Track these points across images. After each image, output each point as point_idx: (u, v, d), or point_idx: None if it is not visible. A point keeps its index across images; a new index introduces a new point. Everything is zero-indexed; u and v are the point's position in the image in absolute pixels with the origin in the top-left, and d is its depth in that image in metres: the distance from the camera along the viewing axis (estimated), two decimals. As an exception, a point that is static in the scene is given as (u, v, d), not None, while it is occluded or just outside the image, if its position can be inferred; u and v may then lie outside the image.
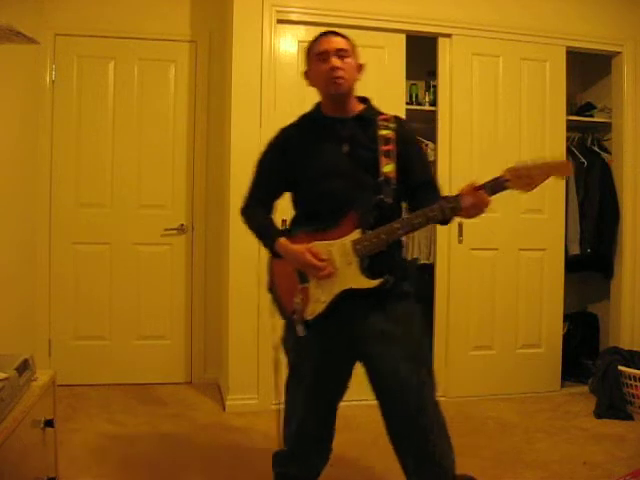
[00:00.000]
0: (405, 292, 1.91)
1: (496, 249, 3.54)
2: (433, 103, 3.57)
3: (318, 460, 2.04)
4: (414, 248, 3.72)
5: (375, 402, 1.91)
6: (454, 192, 1.75)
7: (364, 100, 1.99)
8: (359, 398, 2.07)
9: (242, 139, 3.14)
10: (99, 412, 3.14)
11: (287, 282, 1.92)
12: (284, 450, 2.06)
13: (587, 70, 4.06)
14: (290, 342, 1.98)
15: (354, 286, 1.82)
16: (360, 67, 1.95)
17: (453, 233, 3.45)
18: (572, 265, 3.72)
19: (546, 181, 1.66)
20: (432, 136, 3.58)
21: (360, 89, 3.47)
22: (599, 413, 3.22)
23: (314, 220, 1.89)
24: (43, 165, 3.54)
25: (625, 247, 3.70)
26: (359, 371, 1.94)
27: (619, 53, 3.69)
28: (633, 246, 3.70)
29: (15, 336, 3.12)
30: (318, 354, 1.91)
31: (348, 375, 1.97)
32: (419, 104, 3.66)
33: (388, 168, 1.85)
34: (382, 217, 1.81)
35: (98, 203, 3.64)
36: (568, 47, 3.59)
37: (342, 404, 2.03)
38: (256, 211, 2.01)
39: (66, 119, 3.58)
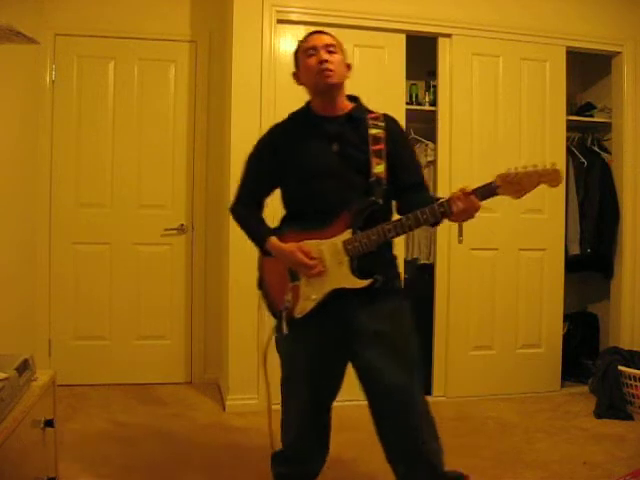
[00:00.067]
0: (395, 289, 1.94)
1: (496, 249, 3.54)
2: (433, 103, 3.57)
3: (316, 459, 2.05)
4: (414, 248, 3.72)
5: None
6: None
7: (354, 99, 1.99)
8: (357, 398, 2.07)
9: (242, 139, 3.13)
10: (99, 412, 3.14)
11: (277, 280, 1.93)
12: (282, 450, 2.07)
13: (587, 70, 4.06)
14: (282, 341, 1.99)
15: (345, 285, 1.83)
16: (349, 66, 1.96)
17: (453, 233, 3.44)
18: (572, 265, 3.72)
19: (536, 188, 1.71)
20: (432, 136, 3.58)
21: (360, 89, 3.47)
22: (599, 413, 3.22)
23: (304, 219, 1.90)
24: (43, 165, 3.54)
25: (625, 247, 3.70)
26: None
27: (619, 53, 3.69)
28: (633, 246, 3.70)
29: (15, 336, 3.12)
30: (310, 353, 1.92)
31: (341, 373, 1.97)
32: (419, 104, 3.66)
33: (379, 169, 1.86)
34: (373, 218, 1.83)
35: (98, 203, 3.64)
36: (568, 47, 3.59)
37: (340, 404, 2.03)
38: (246, 209, 2.01)
39: (66, 119, 3.58)
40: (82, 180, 3.61)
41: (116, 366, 3.63)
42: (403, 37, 3.40)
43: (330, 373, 1.97)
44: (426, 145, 3.71)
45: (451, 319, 3.47)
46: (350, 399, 2.17)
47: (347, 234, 1.82)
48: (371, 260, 1.83)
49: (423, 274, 3.72)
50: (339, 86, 1.91)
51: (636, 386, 3.25)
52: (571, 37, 3.58)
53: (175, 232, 3.71)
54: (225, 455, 2.65)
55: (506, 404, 3.40)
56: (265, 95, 3.17)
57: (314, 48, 1.88)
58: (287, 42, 3.26)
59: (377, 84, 3.36)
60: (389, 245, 1.92)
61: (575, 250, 3.71)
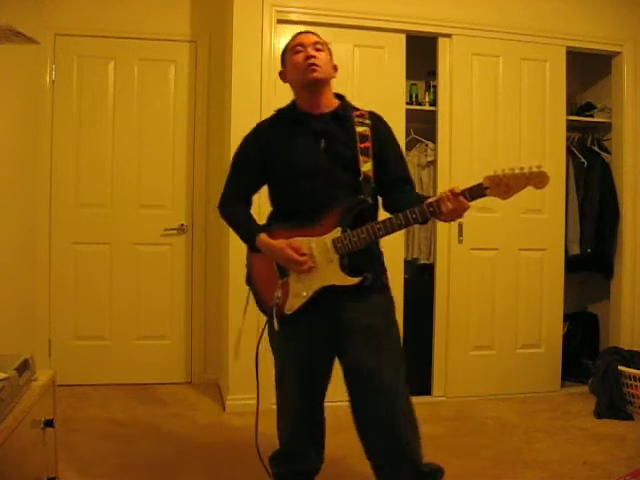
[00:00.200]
0: (382, 286, 1.95)
1: (496, 249, 3.54)
2: (433, 103, 3.57)
3: (313, 457, 2.06)
4: (414, 248, 3.72)
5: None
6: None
7: (340, 97, 2.01)
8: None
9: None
10: (99, 412, 3.14)
11: (266, 276, 1.94)
12: (280, 450, 2.08)
13: (587, 70, 4.06)
14: (274, 338, 2.00)
15: (335, 283, 1.85)
16: (335, 67, 1.99)
17: (453, 233, 3.45)
18: (572, 265, 3.72)
19: (524, 190, 1.74)
20: (432, 136, 3.58)
21: (360, 89, 3.48)
22: (599, 413, 3.22)
23: (293, 217, 1.91)
24: (43, 165, 3.54)
25: (625, 247, 3.70)
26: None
27: (619, 53, 3.68)
28: (633, 246, 3.70)
29: (15, 336, 3.12)
30: (301, 351, 1.93)
31: (330, 369, 1.99)
32: (419, 104, 3.66)
33: (366, 167, 1.88)
34: (361, 216, 1.85)
35: (98, 203, 3.64)
36: (568, 47, 3.59)
37: (336, 405, 2.04)
38: (235, 206, 2.02)
39: (66, 119, 3.58)
40: (82, 180, 3.61)
41: (116, 366, 3.63)
42: (403, 37, 3.40)
43: (320, 371, 1.99)
44: (426, 145, 3.72)
45: (451, 319, 3.47)
46: (349, 400, 2.17)
47: (336, 232, 1.84)
48: (360, 257, 1.86)
49: (423, 274, 3.72)
50: (325, 82, 1.93)
51: (636, 386, 3.25)
52: (571, 37, 3.58)
53: (175, 232, 3.71)
54: (225, 455, 2.65)
55: (506, 404, 3.40)
56: (265, 95, 3.17)
57: (301, 45, 1.90)
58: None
59: (377, 84, 3.36)
60: (377, 241, 1.94)
61: (575, 250, 3.71)
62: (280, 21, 3.24)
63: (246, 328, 3.16)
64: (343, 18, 3.30)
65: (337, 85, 3.11)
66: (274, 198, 2.02)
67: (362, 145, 1.89)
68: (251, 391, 3.14)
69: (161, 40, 3.67)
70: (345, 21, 3.30)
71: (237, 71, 3.20)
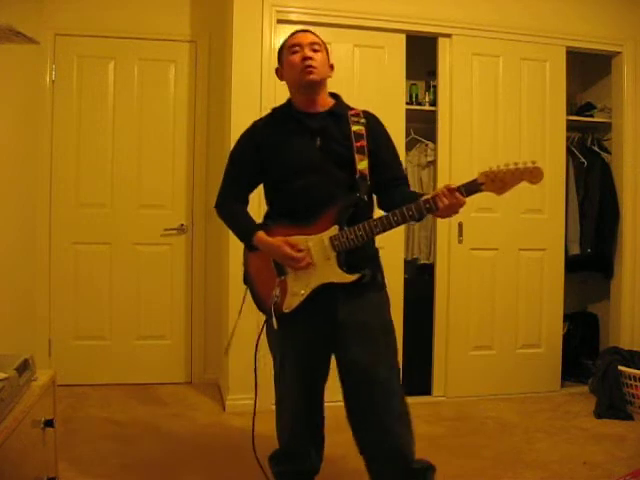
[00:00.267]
0: (379, 283, 1.97)
1: (496, 249, 3.54)
2: (433, 103, 3.57)
3: (313, 457, 2.06)
4: (414, 248, 3.72)
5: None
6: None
7: (335, 96, 2.03)
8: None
9: (242, 139, 3.14)
10: (99, 412, 3.14)
11: (264, 275, 1.94)
12: (279, 450, 2.09)
13: (587, 70, 4.06)
14: (273, 337, 2.01)
15: (333, 280, 1.86)
16: (332, 66, 2.00)
17: (453, 233, 3.45)
18: (572, 265, 3.72)
19: (518, 185, 1.77)
20: (432, 136, 3.58)
21: (360, 89, 3.48)
22: (599, 413, 3.22)
23: (289, 215, 1.92)
24: (43, 165, 3.54)
25: (625, 247, 3.70)
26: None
27: (619, 53, 3.68)
28: (633, 246, 3.70)
29: (15, 336, 3.12)
30: (300, 350, 1.94)
31: (328, 367, 2.01)
32: (419, 104, 3.66)
33: (362, 165, 1.90)
34: (358, 214, 1.86)
35: (98, 203, 3.64)
36: (568, 47, 3.59)
37: (336, 405, 2.04)
38: (232, 206, 2.03)
39: (66, 119, 3.58)
40: (82, 180, 3.61)
41: (116, 366, 3.63)
42: (403, 37, 3.40)
43: (320, 370, 2.00)
44: (426, 145, 3.72)
45: (451, 319, 3.47)
46: (342, 395, 2.17)
47: (333, 230, 1.85)
48: (357, 255, 1.87)
49: (423, 274, 3.72)
50: (321, 83, 1.94)
51: (636, 386, 3.25)
52: (571, 37, 3.58)
53: (175, 232, 3.71)
54: (225, 455, 2.65)
55: (506, 404, 3.40)
56: (265, 95, 3.17)
57: (299, 45, 1.91)
58: (287, 42, 3.26)
59: (377, 84, 3.36)
60: (372, 239, 1.95)
61: (575, 250, 3.71)
62: (280, 21, 3.24)
63: (245, 328, 3.16)
64: (343, 18, 3.30)
65: (337, 85, 3.11)
66: (270, 197, 2.03)
67: (358, 144, 1.91)
68: (251, 391, 3.15)
69: (161, 40, 3.67)
70: (345, 21, 3.30)
71: (237, 71, 3.20)
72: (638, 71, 3.68)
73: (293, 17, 3.26)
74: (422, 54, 3.50)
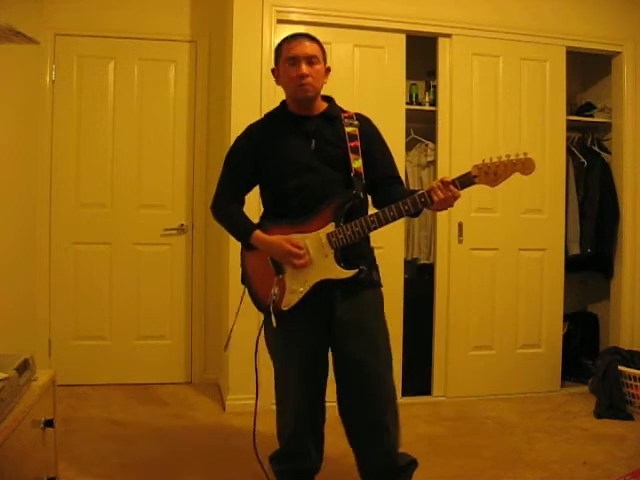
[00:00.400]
0: (374, 281, 2.00)
1: (496, 249, 3.54)
2: (433, 103, 3.57)
3: (314, 454, 2.07)
4: (414, 248, 3.72)
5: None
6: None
7: (328, 99, 2.05)
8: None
9: (242, 139, 3.14)
10: (99, 412, 3.14)
11: (262, 274, 1.96)
12: (280, 450, 2.10)
13: (587, 70, 4.06)
14: (271, 336, 2.03)
15: (331, 276, 1.89)
16: (328, 70, 2.01)
17: (453, 233, 3.45)
18: (572, 265, 3.72)
19: (511, 177, 1.81)
20: (432, 136, 3.58)
21: (360, 89, 3.48)
22: (599, 413, 3.22)
23: (286, 215, 1.95)
24: (43, 165, 3.54)
25: (625, 247, 3.70)
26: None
27: (619, 53, 3.68)
28: (633, 246, 3.70)
29: (15, 336, 3.12)
30: (301, 352, 1.96)
31: (328, 365, 2.04)
32: (419, 104, 3.66)
33: (357, 164, 1.93)
34: (354, 211, 1.90)
35: (98, 203, 3.64)
36: (568, 47, 3.59)
37: (335, 405, 2.04)
38: (228, 207, 2.05)
39: (66, 119, 3.58)
40: (82, 180, 3.61)
41: (116, 366, 3.63)
42: (403, 37, 3.39)
43: (319, 368, 2.03)
44: (426, 145, 3.72)
45: (451, 319, 3.47)
46: (336, 389, 2.18)
47: (330, 227, 1.88)
48: (354, 251, 1.91)
49: (423, 274, 3.72)
50: (316, 96, 1.98)
51: (636, 386, 3.25)
52: (571, 37, 3.58)
53: (175, 232, 3.71)
54: (225, 455, 2.65)
55: (506, 404, 3.40)
56: (265, 95, 3.17)
57: (296, 58, 1.91)
58: (287, 42, 3.26)
59: (377, 84, 3.36)
60: (367, 237, 1.98)
61: (575, 250, 3.71)
62: (280, 21, 3.24)
63: (245, 328, 3.16)
64: (343, 18, 3.29)
65: (337, 85, 3.12)
66: (266, 198, 2.06)
67: (351, 144, 1.95)
68: (251, 391, 3.14)
69: (161, 40, 3.67)
70: (345, 21, 3.30)
71: (237, 71, 3.20)
72: (638, 71, 3.68)
73: (293, 17, 3.26)
74: (422, 54, 3.50)
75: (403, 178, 2.23)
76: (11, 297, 3.15)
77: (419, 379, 3.48)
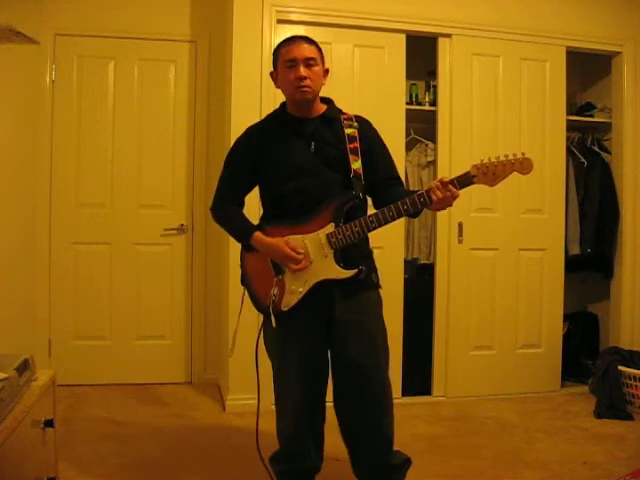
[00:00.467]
0: (373, 282, 2.02)
1: (496, 249, 3.54)
2: (433, 103, 3.57)
3: (314, 454, 2.07)
4: (414, 248, 3.72)
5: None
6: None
7: (328, 101, 2.06)
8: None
9: (242, 139, 3.14)
10: (99, 412, 3.14)
11: (261, 275, 1.97)
12: (280, 450, 2.10)
13: (587, 70, 4.06)
14: (270, 336, 2.03)
15: (331, 277, 1.90)
16: (326, 72, 2.02)
17: (453, 233, 3.45)
18: (572, 265, 3.72)
19: (509, 176, 1.82)
20: (432, 136, 3.58)
21: (360, 89, 3.48)
22: (599, 413, 3.22)
23: (286, 216, 1.96)
24: (43, 165, 3.54)
25: (625, 247, 3.70)
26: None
27: (619, 53, 3.68)
28: (633, 246, 3.70)
29: (15, 336, 3.12)
30: (301, 352, 1.97)
31: (328, 365, 2.05)
32: (419, 104, 3.66)
33: (357, 165, 1.94)
34: (353, 212, 1.91)
35: (98, 203, 3.64)
36: (568, 47, 3.59)
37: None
38: (228, 208, 2.06)
39: (66, 119, 3.58)
40: (82, 180, 3.61)
41: (116, 366, 3.63)
42: (403, 37, 3.39)
43: (320, 368, 2.03)
44: (426, 145, 3.72)
45: (451, 319, 3.47)
46: (333, 388, 2.18)
47: (330, 227, 1.89)
48: (353, 252, 1.92)
49: (423, 274, 3.72)
50: (315, 98, 1.98)
51: (636, 386, 3.25)
52: (571, 37, 3.58)
53: (175, 232, 3.71)
54: (225, 455, 2.65)
55: (506, 404, 3.40)
56: (265, 95, 3.17)
57: (294, 61, 1.92)
58: (287, 42, 3.26)
59: (377, 84, 3.36)
60: (367, 238, 1.99)
61: (575, 250, 3.71)
62: (280, 21, 3.24)
63: (246, 328, 3.16)
64: (343, 18, 3.29)
65: (337, 85, 3.12)
66: (266, 199, 2.07)
67: (351, 145, 1.96)
68: (251, 391, 3.14)
69: (161, 40, 3.67)
70: (345, 21, 3.30)
71: (237, 71, 3.20)
72: (638, 71, 3.68)
73: (293, 17, 3.26)
74: (422, 54, 3.50)
75: (403, 178, 2.24)
76: (11, 297, 3.15)
77: (419, 379, 3.48)
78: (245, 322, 3.17)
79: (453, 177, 1.83)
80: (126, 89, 3.65)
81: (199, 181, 3.73)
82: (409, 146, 3.67)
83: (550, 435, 2.94)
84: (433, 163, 3.64)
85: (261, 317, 2.06)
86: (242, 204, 2.08)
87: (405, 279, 3.45)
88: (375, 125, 2.09)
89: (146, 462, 2.54)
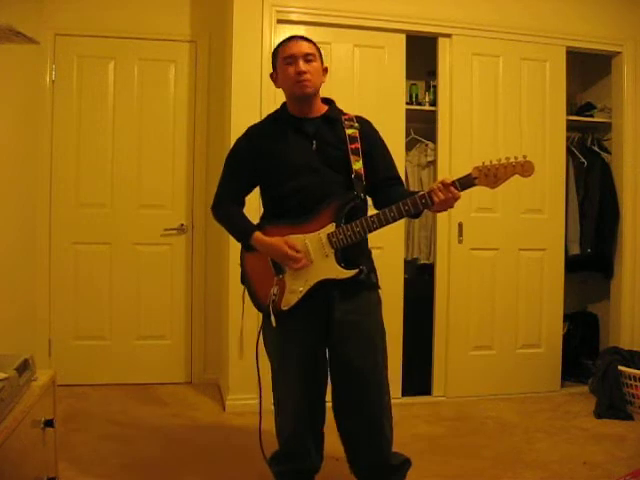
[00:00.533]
0: (373, 283, 2.02)
1: (496, 249, 3.54)
2: (433, 103, 3.57)
3: (314, 454, 2.08)
4: (414, 248, 3.72)
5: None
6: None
7: (329, 102, 2.06)
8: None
9: (242, 139, 3.14)
10: (99, 412, 3.14)
11: (261, 274, 1.97)
12: (280, 450, 2.10)
13: (587, 70, 4.06)
14: (270, 336, 2.03)
15: (331, 276, 1.90)
16: (325, 71, 2.02)
17: (453, 233, 3.45)
18: (572, 265, 3.72)
19: (510, 179, 1.82)
20: (432, 136, 3.58)
21: (360, 89, 3.48)
22: (599, 413, 3.22)
23: (286, 216, 1.96)
24: (43, 165, 3.54)
25: (625, 247, 3.70)
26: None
27: (619, 53, 3.68)
28: (633, 246, 3.70)
29: (15, 336, 3.12)
30: (300, 352, 1.97)
31: (327, 365, 2.04)
32: (419, 104, 3.66)
33: (358, 165, 1.94)
34: (354, 212, 1.91)
35: (98, 203, 3.64)
36: (568, 47, 3.59)
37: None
38: (228, 208, 2.06)
39: (66, 119, 3.58)
40: (82, 180, 3.61)
41: (116, 366, 3.63)
42: (403, 37, 3.39)
43: (319, 368, 2.03)
44: (426, 145, 3.72)
45: (451, 319, 3.47)
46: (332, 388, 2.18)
47: (331, 227, 1.89)
48: (354, 252, 1.92)
49: (423, 274, 3.72)
50: (315, 94, 1.98)
51: (636, 386, 3.25)
52: (571, 37, 3.58)
53: (175, 232, 3.71)
54: (225, 455, 2.65)
55: (506, 404, 3.40)
56: (265, 95, 3.17)
57: (293, 57, 1.93)
58: (287, 42, 3.26)
59: (377, 84, 3.36)
60: (366, 238, 1.99)
61: (575, 250, 3.71)
62: (280, 21, 3.24)
63: (246, 328, 3.16)
64: (343, 18, 3.29)
65: (337, 85, 3.12)
66: (266, 198, 2.07)
67: (352, 146, 1.96)
68: (251, 391, 3.16)
69: (161, 40, 3.67)
70: (345, 21, 3.30)
71: (237, 71, 3.20)
72: (638, 71, 3.68)
73: (293, 17, 3.26)
74: (422, 54, 3.50)
75: (403, 178, 2.23)
76: (11, 297, 3.15)
77: (419, 379, 3.48)
78: (246, 322, 3.18)
79: (455, 179, 1.83)
80: (126, 89, 3.65)
81: (199, 181, 3.73)
82: (409, 146, 3.67)
83: (550, 435, 2.94)
84: (433, 163, 3.64)
85: (260, 318, 2.05)
86: (243, 204, 2.09)
87: (405, 279, 3.45)
88: (375, 125, 2.09)
89: (146, 462, 2.54)
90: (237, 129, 3.15)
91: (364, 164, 1.95)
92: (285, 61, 1.94)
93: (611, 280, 3.80)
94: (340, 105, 2.09)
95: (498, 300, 3.54)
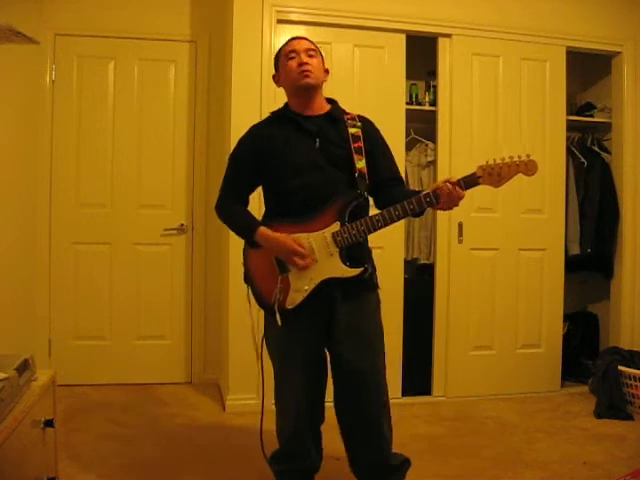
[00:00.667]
0: (374, 284, 2.03)
1: (496, 249, 3.54)
2: (433, 103, 3.57)
3: (314, 453, 2.08)
4: (414, 248, 3.72)
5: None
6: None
7: (331, 101, 2.08)
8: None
9: (242, 139, 3.14)
10: (99, 412, 3.14)
11: (265, 273, 1.97)
12: (280, 449, 2.10)
13: (587, 70, 4.06)
14: (272, 334, 2.03)
15: (336, 275, 1.90)
16: (327, 71, 2.04)
17: (453, 233, 3.45)
18: (572, 265, 3.72)
19: (514, 178, 1.83)
20: (432, 136, 3.58)
21: (360, 89, 3.48)
22: (599, 413, 3.22)
23: (290, 214, 1.95)
24: (43, 165, 3.54)
25: (625, 247, 3.70)
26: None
27: (619, 53, 3.68)
28: (633, 246, 3.70)
29: (15, 336, 3.12)
30: (303, 352, 1.97)
31: (327, 365, 2.06)
32: (419, 104, 3.66)
33: (361, 164, 1.95)
34: (357, 211, 1.91)
35: (98, 203, 3.64)
36: (568, 47, 3.59)
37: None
38: (232, 206, 2.06)
39: (66, 119, 3.58)
40: (82, 180, 3.61)
41: (116, 366, 3.63)
42: (403, 37, 3.39)
43: (321, 368, 2.04)
44: (426, 145, 3.72)
45: (451, 319, 3.47)
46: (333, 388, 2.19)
47: (335, 226, 1.89)
48: (357, 251, 1.93)
49: (423, 274, 3.72)
50: (317, 87, 1.99)
51: (636, 386, 3.25)
52: (571, 37, 3.58)
53: (175, 232, 3.71)
54: (225, 455, 2.65)
55: (506, 404, 3.40)
56: (265, 95, 3.17)
57: (295, 51, 1.97)
58: (287, 42, 3.27)
59: (377, 84, 3.36)
60: (366, 238, 1.99)
61: (575, 250, 3.71)
62: (280, 21, 3.24)
63: (245, 328, 3.15)
64: (343, 18, 3.29)
65: (337, 85, 3.12)
66: (269, 197, 2.06)
67: (355, 145, 1.97)
68: (251, 391, 3.17)
69: (161, 40, 3.67)
70: (345, 21, 3.30)
71: (237, 71, 3.20)
72: (638, 71, 3.68)
73: (293, 17, 3.26)
74: (422, 54, 3.50)
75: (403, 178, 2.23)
76: (11, 297, 3.15)
77: (419, 379, 3.48)
78: (244, 323, 3.17)
79: (459, 177, 1.84)
80: (126, 89, 3.65)
81: (199, 181, 3.73)
82: (409, 146, 3.67)
83: (550, 435, 2.94)
84: (433, 163, 3.64)
85: (262, 318, 2.05)
86: (246, 203, 2.08)
87: (405, 279, 3.45)
88: (375, 125, 2.10)
89: (146, 462, 2.54)
90: (237, 129, 3.16)
91: (366, 163, 1.96)
92: (287, 57, 1.98)
93: (611, 280, 3.80)
94: (340, 105, 2.10)
95: (498, 300, 3.54)
